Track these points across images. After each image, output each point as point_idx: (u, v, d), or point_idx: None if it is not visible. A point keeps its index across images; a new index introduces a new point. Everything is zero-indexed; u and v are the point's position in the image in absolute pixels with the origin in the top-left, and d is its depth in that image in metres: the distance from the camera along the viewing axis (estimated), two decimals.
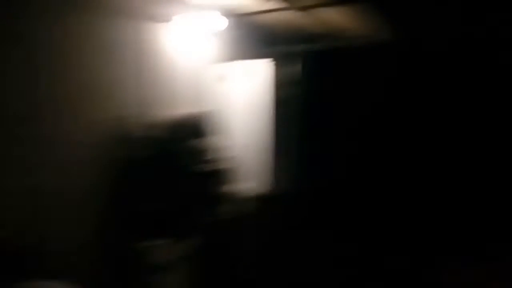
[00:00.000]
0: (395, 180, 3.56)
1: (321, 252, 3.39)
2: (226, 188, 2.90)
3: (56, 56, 2.22)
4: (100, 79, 2.48)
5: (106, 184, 2.47)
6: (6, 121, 2.00)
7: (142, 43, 2.77)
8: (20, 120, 2.06)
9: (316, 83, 3.75)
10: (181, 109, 2.96)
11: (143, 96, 2.77)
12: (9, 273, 1.68)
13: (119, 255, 2.50)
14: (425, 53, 3.44)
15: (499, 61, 3.18)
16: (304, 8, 3.09)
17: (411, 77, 3.54)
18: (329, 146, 3.75)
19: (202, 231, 2.72)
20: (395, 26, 3.29)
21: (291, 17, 3.30)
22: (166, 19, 2.92)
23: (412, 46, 3.46)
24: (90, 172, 2.40)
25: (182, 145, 2.68)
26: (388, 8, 3.08)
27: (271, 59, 3.23)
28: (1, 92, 1.98)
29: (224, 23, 3.04)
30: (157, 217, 2.51)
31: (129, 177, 2.51)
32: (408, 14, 3.19)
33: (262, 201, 3.25)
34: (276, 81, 3.26)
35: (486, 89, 3.29)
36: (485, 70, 3.25)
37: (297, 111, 3.67)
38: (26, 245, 2.05)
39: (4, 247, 1.78)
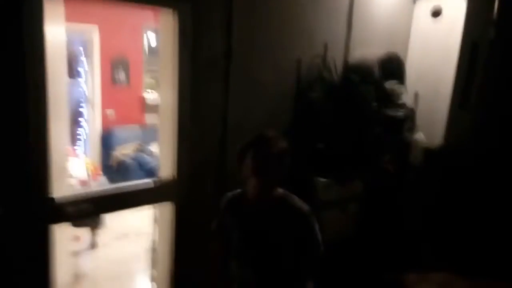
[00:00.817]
0: None
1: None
2: (405, 136, 2.82)
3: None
4: (300, 18, 2.60)
5: (289, 119, 2.65)
6: (210, 56, 2.27)
7: None
8: (219, 58, 2.31)
9: None
10: (372, 50, 2.91)
11: (338, 36, 2.82)
12: None
13: (293, 187, 2.64)
14: None
15: None
16: None
17: None
18: None
19: (374, 175, 2.71)
20: None
21: None
22: None
23: None
24: (274, 107, 2.59)
25: (375, 87, 2.64)
26: None
27: None
28: (206, 31, 2.22)
29: None
30: (333, 156, 2.55)
31: (311, 115, 2.58)
32: None
33: (433, 153, 3.03)
34: (469, 20, 2.87)
35: None
36: None
37: (491, 56, 3.00)
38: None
39: None
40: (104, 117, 5.30)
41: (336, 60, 2.74)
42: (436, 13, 3.01)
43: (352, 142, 2.54)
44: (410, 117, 2.77)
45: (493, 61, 3.02)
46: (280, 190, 1.66)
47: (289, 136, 2.62)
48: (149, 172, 4.76)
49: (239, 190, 1.74)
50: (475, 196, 3.07)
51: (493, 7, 3.00)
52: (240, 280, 1.72)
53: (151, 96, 5.55)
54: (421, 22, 3.12)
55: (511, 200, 3.07)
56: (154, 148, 5.00)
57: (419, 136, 2.90)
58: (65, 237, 2.86)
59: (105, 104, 5.30)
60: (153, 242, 2.62)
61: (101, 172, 4.61)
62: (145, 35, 5.58)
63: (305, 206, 1.66)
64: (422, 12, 3.11)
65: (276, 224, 1.63)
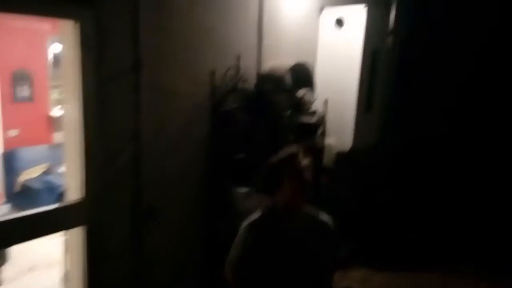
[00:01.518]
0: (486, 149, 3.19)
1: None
2: (318, 141, 2.88)
3: (165, 6, 2.32)
4: (211, 29, 2.57)
5: (205, 131, 2.61)
6: (118, 69, 2.15)
7: None
8: (127, 70, 2.19)
9: (413, 32, 3.29)
10: (283, 60, 2.94)
11: (257, 45, 2.84)
12: None
13: (213, 199, 2.63)
14: None
15: None
16: None
17: None
18: (422, 103, 3.35)
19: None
20: None
21: None
22: None
23: None
24: (190, 119, 2.52)
25: (286, 95, 2.69)
26: None
27: (365, 4, 3.00)
28: (112, 43, 2.09)
29: None
30: (249, 165, 2.50)
31: (227, 125, 2.57)
32: None
33: (345, 156, 3.14)
34: (369, 29, 3.04)
35: None
36: None
37: (389, 62, 3.28)
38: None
39: None
40: (6, 138, 4.81)
41: (249, 70, 2.77)
42: (339, 23, 3.20)
43: (269, 151, 2.58)
44: (321, 123, 2.89)
45: (391, 67, 3.31)
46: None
47: (207, 148, 2.64)
48: (61, 196, 4.41)
49: (258, 214, 1.72)
50: (385, 193, 3.32)
51: (389, 18, 3.30)
52: None
53: (60, 113, 5.17)
54: (326, 31, 3.29)
55: (420, 194, 3.36)
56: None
57: (331, 140, 3.06)
58: None
59: (6, 124, 4.81)
60: (65, 272, 2.41)
61: (3, 199, 4.16)
62: (51, 46, 5.20)
63: (329, 219, 1.75)
64: (327, 22, 3.29)
65: (310, 237, 1.68)
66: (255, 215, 1.75)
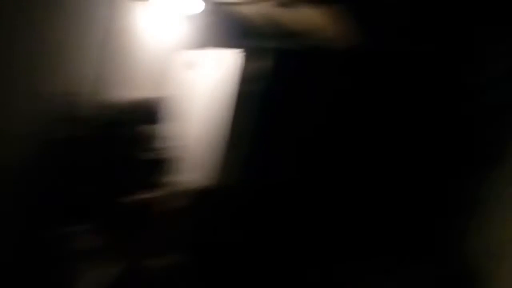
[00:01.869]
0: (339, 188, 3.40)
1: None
2: (168, 177, 2.73)
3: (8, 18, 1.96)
4: (57, 50, 2.23)
5: (41, 160, 2.23)
6: None
7: (111, 19, 2.54)
8: None
9: (282, 81, 3.62)
10: (140, 92, 2.85)
11: (103, 74, 2.57)
12: None
13: (40, 238, 2.25)
14: (388, 62, 3.34)
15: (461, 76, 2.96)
16: (282, 4, 3.05)
17: (370, 84, 3.43)
18: (282, 146, 3.67)
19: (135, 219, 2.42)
20: (365, 31, 3.23)
21: (268, 11, 3.26)
22: None
23: (378, 54, 3.37)
24: (26, 146, 2.16)
25: (130, 129, 2.55)
26: (359, 12, 3.03)
27: (241, 51, 3.16)
28: None
29: (200, 7, 3.04)
30: (86, 201, 2.22)
31: (67, 156, 2.29)
32: (377, 20, 3.12)
33: (203, 194, 3.11)
34: (242, 74, 3.18)
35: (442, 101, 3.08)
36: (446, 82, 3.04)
37: (257, 106, 3.53)
38: None
39: None
40: None
41: (92, 99, 2.48)
42: (192, 64, 3.22)
43: (114, 187, 2.36)
44: (172, 159, 2.84)
45: (258, 109, 3.44)
46: None
47: (34, 182, 2.25)
48: None
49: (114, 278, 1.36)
50: (237, 233, 3.27)
51: (264, 64, 3.42)
52: None
53: None
54: (185, 71, 3.28)
55: (272, 236, 3.29)
56: None
57: (189, 177, 3.06)
58: None
59: None
60: None
61: None
62: None
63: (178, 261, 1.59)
64: (188, 60, 3.29)
65: None
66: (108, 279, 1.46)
